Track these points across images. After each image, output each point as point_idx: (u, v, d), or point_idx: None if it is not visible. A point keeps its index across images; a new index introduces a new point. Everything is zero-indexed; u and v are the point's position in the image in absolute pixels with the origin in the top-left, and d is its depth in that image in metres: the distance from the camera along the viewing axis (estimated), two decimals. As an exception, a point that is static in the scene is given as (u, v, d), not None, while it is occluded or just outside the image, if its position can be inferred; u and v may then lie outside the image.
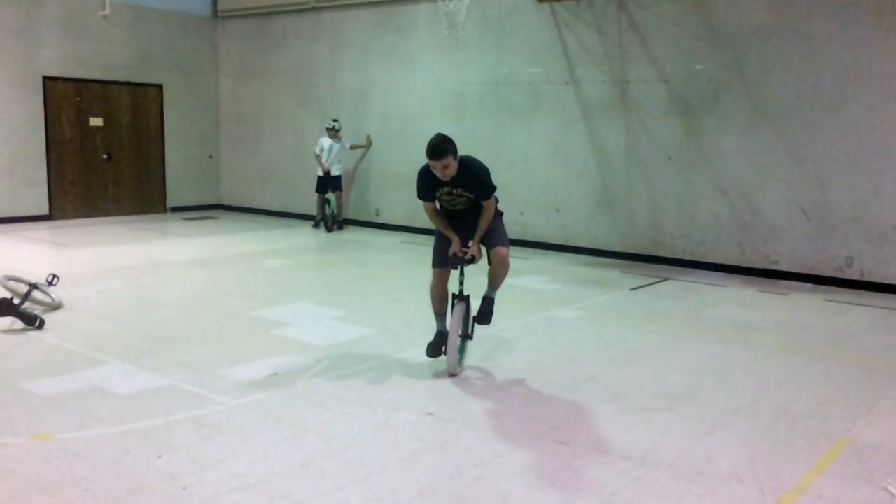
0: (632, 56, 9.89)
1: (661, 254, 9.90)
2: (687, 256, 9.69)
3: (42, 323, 6.06)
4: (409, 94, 12.09)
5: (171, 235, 11.69)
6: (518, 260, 9.93)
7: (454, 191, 4.93)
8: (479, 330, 5.56)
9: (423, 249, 10.67)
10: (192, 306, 7.08)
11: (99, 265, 8.97)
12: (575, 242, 10.61)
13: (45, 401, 4.49)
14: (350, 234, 12.15)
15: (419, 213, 11.98)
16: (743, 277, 9.05)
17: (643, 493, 3.50)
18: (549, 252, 10.57)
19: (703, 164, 9.48)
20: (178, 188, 14.37)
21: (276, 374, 5.08)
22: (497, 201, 5.12)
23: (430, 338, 5.35)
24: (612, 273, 9.22)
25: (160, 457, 3.75)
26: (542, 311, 7.15)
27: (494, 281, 5.23)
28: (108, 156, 13.38)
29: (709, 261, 9.51)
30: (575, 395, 4.82)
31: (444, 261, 5.13)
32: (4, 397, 4.54)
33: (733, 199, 9.30)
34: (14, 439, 3.94)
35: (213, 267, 9.09)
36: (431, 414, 4.43)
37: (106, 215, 13.32)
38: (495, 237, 5.10)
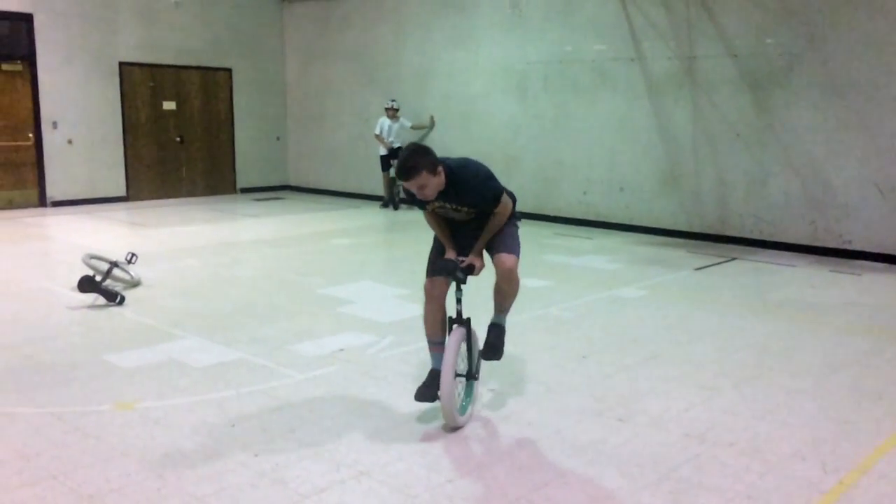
0: (699, 31, 9.68)
1: (729, 233, 9.72)
2: (755, 235, 9.49)
3: (122, 299, 6.37)
4: (471, 73, 12.11)
5: (242, 216, 12.04)
6: (580, 239, 9.93)
7: (446, 205, 3.93)
8: (534, 309, 5.58)
9: (486, 229, 10.72)
10: (263, 284, 7.32)
11: (174, 244, 9.32)
12: (639, 222, 10.50)
13: (127, 372, 4.76)
14: (414, 214, 12.28)
15: (482, 193, 12.02)
16: (814, 257, 8.82)
17: (702, 469, 3.51)
18: (613, 231, 10.49)
19: (774, 141, 9.24)
20: (247, 170, 14.76)
21: (343, 349, 5.24)
22: (514, 202, 4.14)
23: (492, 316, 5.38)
24: (676, 253, 9.11)
25: (233, 426, 3.94)
26: (603, 291, 7.13)
27: (501, 300, 4.16)
28: (181, 139, 13.83)
29: (778, 240, 9.30)
30: (636, 374, 4.83)
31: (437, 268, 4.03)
32: (90, 369, 4.82)
33: (805, 176, 9.05)
34: (99, 407, 4.19)
35: (281, 246, 9.34)
36: (493, 390, 4.51)
37: (179, 196, 13.80)
38: (501, 242, 4.06)
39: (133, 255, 6.98)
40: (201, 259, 8.36)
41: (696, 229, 9.99)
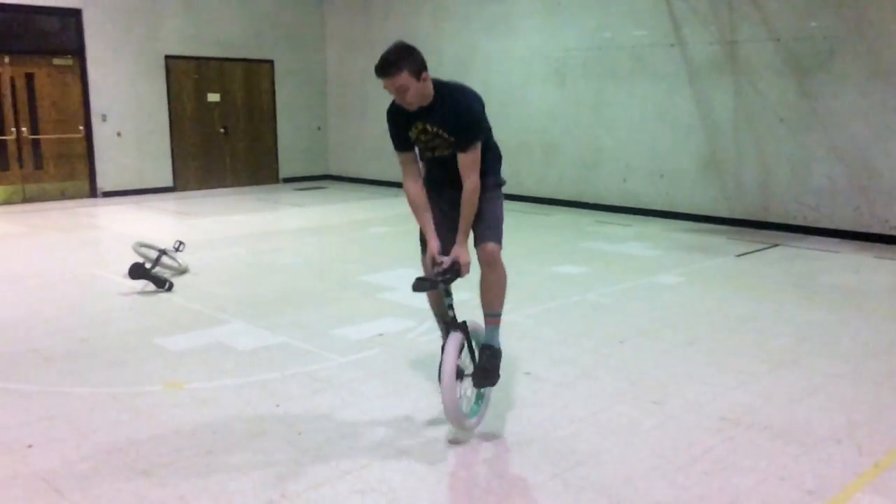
0: (741, 15, 9.55)
1: (771, 219, 9.61)
2: (799, 221, 9.37)
3: (171, 285, 6.58)
4: (510, 62, 12.12)
5: (284, 205, 12.26)
6: (619, 227, 9.91)
7: (428, 127, 3.47)
8: (557, 309, 5.62)
9: (525, 216, 10.78)
10: (305, 271, 7.48)
11: (219, 233, 9.56)
12: (679, 208, 10.43)
13: (176, 354, 4.94)
14: (453, 203, 12.36)
15: (523, 181, 12.09)
16: (858, 243, 8.69)
17: (737, 451, 3.55)
18: (653, 218, 10.45)
19: (818, 126, 9.10)
20: (289, 160, 14.99)
21: (382, 334, 5.36)
22: (499, 160, 3.70)
23: (528, 306, 5.44)
24: (717, 239, 9.04)
25: (278, 406, 4.08)
26: (642, 277, 7.14)
27: (486, 295, 3.66)
28: (225, 130, 14.11)
29: (822, 226, 9.17)
30: (672, 359, 4.86)
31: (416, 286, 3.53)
32: (141, 351, 5.02)
33: (850, 161, 8.90)
34: (151, 387, 4.38)
35: (323, 234, 9.51)
36: (529, 373, 4.59)
37: (224, 186, 14.09)
38: (483, 225, 3.57)
39: (181, 243, 7.19)
40: (245, 247, 8.55)
41: (738, 216, 9.90)
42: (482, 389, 3.77)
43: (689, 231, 9.58)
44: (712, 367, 4.71)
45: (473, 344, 3.77)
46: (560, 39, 11.43)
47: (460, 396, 3.58)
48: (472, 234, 3.63)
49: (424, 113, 3.43)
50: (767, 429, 3.79)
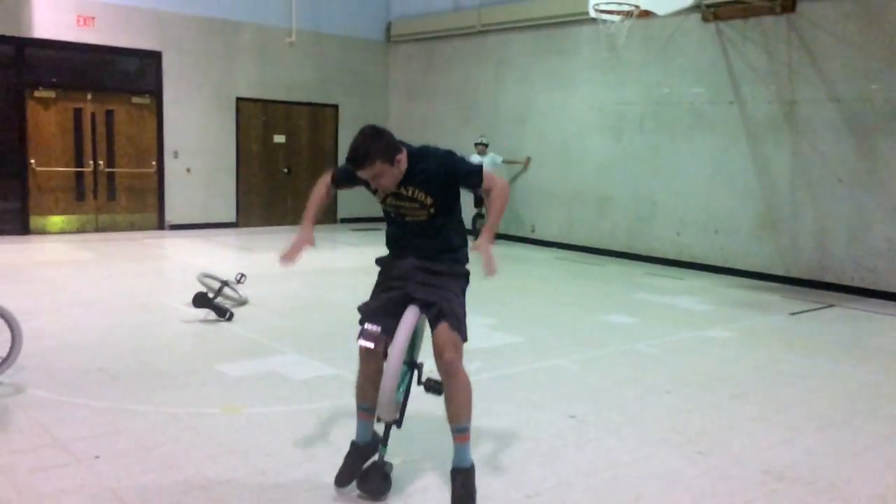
0: (801, 76, 9.61)
1: (828, 279, 9.49)
2: (856, 283, 9.24)
3: (231, 315, 6.86)
4: (568, 113, 12.33)
5: (341, 244, 12.59)
6: (671, 280, 9.91)
7: (403, 191, 3.35)
8: (611, 337, 5.64)
9: (578, 266, 10.87)
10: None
11: (278, 268, 9.85)
12: (733, 265, 10.38)
13: (235, 380, 5.16)
14: (503, 248, 12.51)
15: (575, 230, 12.21)
16: (918, 308, 8.53)
17: (779, 504, 3.56)
18: (706, 273, 10.41)
19: (878, 187, 9.03)
20: (347, 201, 15.36)
21: (431, 371, 5.48)
22: (464, 238, 3.54)
23: (576, 353, 5.50)
24: (771, 297, 8.97)
25: (329, 434, 4.24)
26: (692, 331, 7.14)
27: (453, 410, 3.34)
28: (288, 170, 14.60)
29: (880, 288, 9.02)
30: (719, 411, 4.87)
31: (375, 311, 3.44)
32: (202, 375, 5.26)
33: (910, 224, 8.79)
34: (210, 410, 4.59)
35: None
36: (574, 416, 4.66)
37: (284, 224, 14.51)
38: (443, 303, 3.32)
39: (242, 275, 7.49)
40: (303, 282, 8.82)
41: (794, 274, 9.80)
42: (406, 376, 3.51)
43: (743, 287, 9.53)
44: (759, 421, 4.71)
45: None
46: (619, 93, 11.62)
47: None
48: (427, 323, 3.42)
49: (405, 179, 3.31)
50: (811, 485, 3.79)
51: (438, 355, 3.28)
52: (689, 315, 7.84)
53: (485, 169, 3.44)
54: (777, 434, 4.49)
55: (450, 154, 3.37)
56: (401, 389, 3.46)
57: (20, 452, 3.88)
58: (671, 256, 11.04)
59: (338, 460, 3.83)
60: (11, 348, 4.92)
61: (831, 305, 8.58)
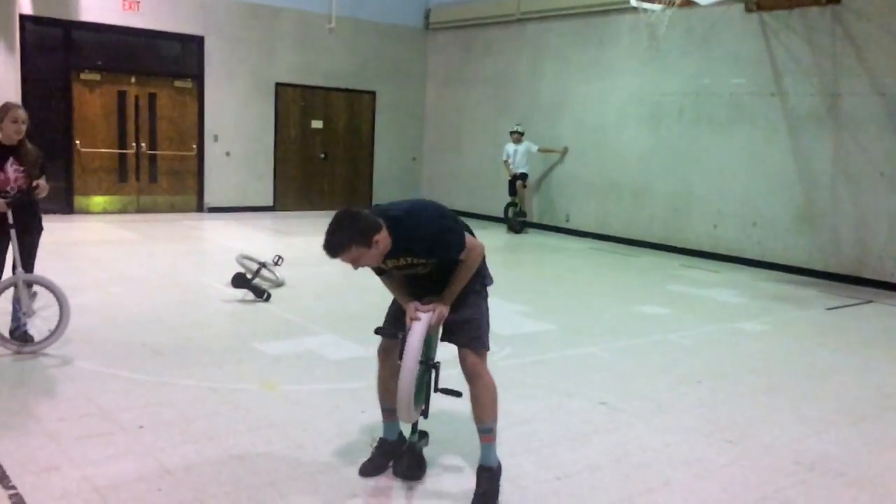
0: (845, 68, 9.45)
1: (867, 275, 9.36)
2: (896, 280, 9.12)
3: (269, 296, 7.00)
4: (605, 103, 12.27)
5: (376, 230, 12.69)
6: (707, 272, 9.85)
7: (402, 261, 3.32)
8: (648, 326, 5.65)
9: (611, 256, 10.85)
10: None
11: (314, 252, 9.94)
12: (770, 258, 10.28)
13: (272, 358, 5.29)
14: (537, 238, 12.53)
15: (610, 221, 12.18)
16: (960, 306, 8.38)
17: (808, 495, 3.57)
18: (742, 266, 10.32)
19: (921, 183, 8.87)
20: (383, 187, 15.49)
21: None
22: (482, 258, 3.48)
23: (608, 341, 5.53)
24: (808, 291, 8.88)
25: (363, 412, 4.33)
26: (726, 322, 7.11)
27: (478, 413, 3.40)
28: (325, 155, 14.75)
29: (921, 286, 8.89)
30: (751, 402, 4.87)
31: (388, 317, 3.55)
32: (240, 353, 5.40)
33: (954, 221, 8.63)
34: (248, 386, 4.72)
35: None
36: (604, 403, 4.70)
37: (320, 209, 14.66)
38: (464, 327, 3.39)
39: (279, 257, 7.63)
40: (337, 266, 8.90)
41: (832, 269, 9.68)
42: (423, 379, 3.49)
43: (779, 281, 9.44)
44: (791, 413, 4.70)
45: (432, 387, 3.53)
46: (658, 84, 11.53)
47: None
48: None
49: (392, 252, 3.23)
50: (841, 476, 3.79)
51: (461, 361, 3.37)
52: (723, 307, 7.80)
53: (466, 238, 3.32)
54: (809, 426, 4.49)
55: (434, 236, 3.23)
56: (421, 394, 3.47)
57: (68, 420, 4.04)
58: (707, 249, 10.96)
59: (373, 436, 3.93)
60: (59, 321, 5.10)
61: (869, 301, 8.47)
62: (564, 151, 12.85)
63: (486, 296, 3.52)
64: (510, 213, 13.05)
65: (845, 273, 9.54)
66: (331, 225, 3.13)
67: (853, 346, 6.49)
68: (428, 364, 3.46)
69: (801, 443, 4.22)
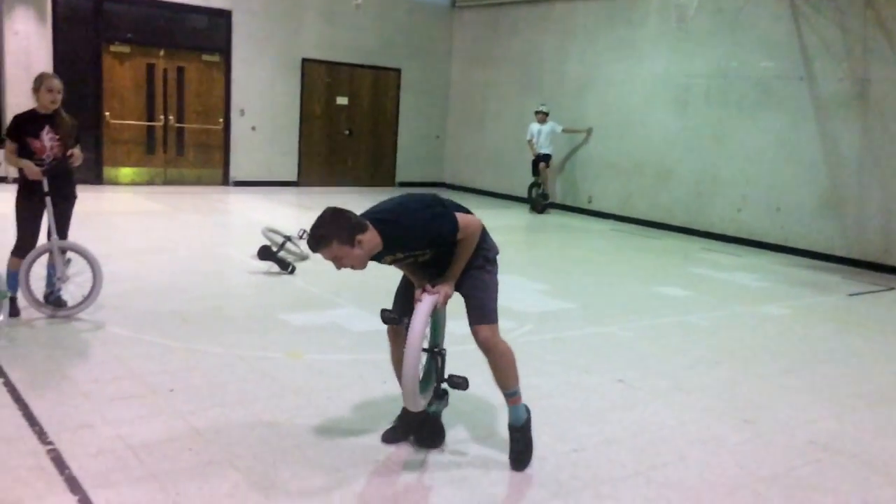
0: (876, 53, 9.34)
1: (891, 262, 9.31)
2: (920, 268, 9.06)
3: (293, 269, 7.12)
4: (632, 84, 12.21)
5: (399, 207, 12.78)
6: (729, 256, 9.85)
7: (399, 255, 3.36)
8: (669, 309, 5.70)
9: (633, 238, 10.86)
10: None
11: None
12: (794, 243, 10.24)
13: (297, 329, 5.41)
14: (560, 218, 12.56)
15: (633, 203, 12.17)
16: (984, 295, 8.33)
17: (821, 474, 3.63)
18: (765, 251, 10.30)
19: (949, 171, 8.79)
20: (406, 165, 15.57)
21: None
22: (482, 230, 3.40)
23: (628, 321, 5.61)
24: (831, 277, 8.86)
25: (385, 382, 4.44)
26: (746, 306, 7.14)
27: (499, 380, 3.49)
28: (350, 132, 14.83)
29: (946, 275, 8.84)
30: (768, 384, 4.92)
31: (395, 297, 3.65)
32: (266, 322, 5.52)
33: (982, 210, 8.54)
34: (274, 354, 4.84)
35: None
36: (622, 381, 4.77)
37: (343, 185, 14.79)
38: (472, 306, 3.43)
39: (304, 231, 7.69)
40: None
41: (856, 256, 9.63)
42: (431, 367, 3.60)
43: (803, 267, 9.41)
44: (808, 395, 4.75)
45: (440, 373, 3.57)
46: (685, 66, 11.45)
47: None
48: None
49: (386, 251, 3.26)
50: (856, 458, 3.84)
51: (474, 337, 3.42)
52: (745, 291, 7.82)
53: (458, 218, 3.27)
54: (825, 408, 4.53)
55: (425, 228, 3.23)
56: (429, 382, 3.52)
57: (101, 382, 4.19)
58: (730, 233, 10.94)
59: (394, 407, 4.04)
60: (92, 287, 5.25)
61: (892, 288, 8.44)
62: (588, 132, 12.83)
63: (490, 269, 3.50)
64: (533, 194, 13.07)
65: (869, 260, 9.49)
66: (316, 221, 3.17)
67: (874, 331, 6.49)
68: (434, 351, 3.53)
69: (816, 424, 4.27)
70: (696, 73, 11.30)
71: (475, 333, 3.41)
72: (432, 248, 3.34)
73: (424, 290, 3.34)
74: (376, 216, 3.24)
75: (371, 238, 3.16)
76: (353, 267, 3.22)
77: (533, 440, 3.57)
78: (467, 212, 3.41)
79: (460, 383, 3.42)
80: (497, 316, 3.48)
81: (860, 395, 4.80)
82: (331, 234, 3.10)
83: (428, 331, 3.45)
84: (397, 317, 3.45)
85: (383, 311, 3.49)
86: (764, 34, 10.48)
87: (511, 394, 3.51)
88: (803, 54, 10.07)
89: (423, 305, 3.26)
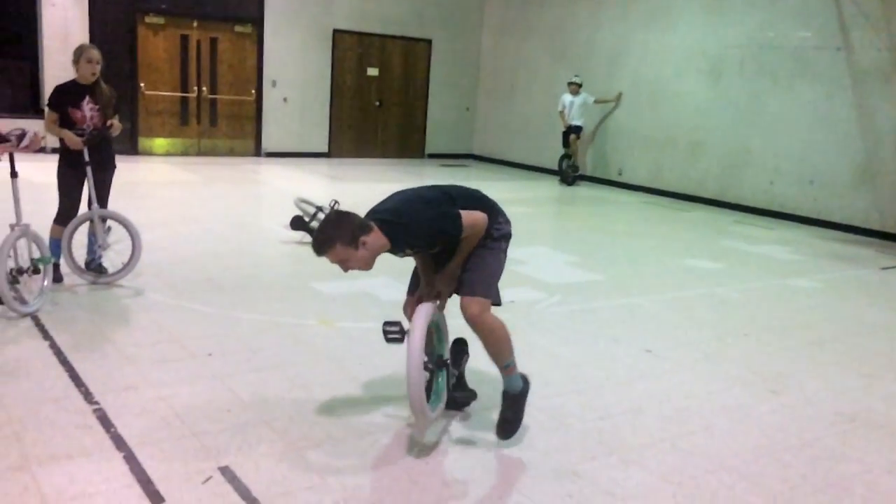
0: (917, 21, 9.14)
1: (926, 237, 9.20)
2: (957, 242, 8.93)
3: (325, 239, 7.22)
4: (664, 54, 12.07)
5: (428, 178, 12.82)
6: (761, 229, 9.78)
7: (409, 251, 3.39)
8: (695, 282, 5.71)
9: (663, 210, 10.82)
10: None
11: (367, 197, 10.09)
12: (827, 217, 10.14)
13: (329, 297, 5.52)
14: (589, 190, 12.52)
15: (663, 175, 12.09)
16: None
17: (847, 443, 3.66)
18: (798, 224, 10.21)
19: None
20: (435, 136, 15.59)
21: (513, 301, 5.72)
22: (495, 213, 3.50)
23: (657, 293, 5.59)
24: (864, 251, 8.77)
25: (416, 350, 4.54)
26: (777, 279, 7.11)
27: (491, 355, 3.44)
28: (380, 103, 14.86)
29: (983, 249, 8.70)
30: (796, 356, 4.94)
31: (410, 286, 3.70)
32: (299, 291, 5.65)
33: None
34: (307, 321, 4.96)
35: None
36: (649, 351, 4.82)
37: (373, 157, 14.87)
38: (466, 276, 3.37)
39: (336, 202, 7.81)
40: (392, 213, 9.12)
41: (890, 229, 9.51)
42: (440, 380, 3.57)
43: (835, 240, 9.32)
44: (837, 367, 4.76)
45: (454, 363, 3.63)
46: (720, 36, 11.29)
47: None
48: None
49: (394, 250, 3.29)
50: (883, 427, 3.87)
51: (462, 311, 3.34)
52: (776, 264, 7.78)
53: (463, 217, 3.25)
54: (853, 380, 4.54)
55: (429, 227, 3.22)
56: (438, 394, 3.51)
57: (143, 346, 4.34)
58: (762, 206, 10.84)
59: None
60: (132, 255, 5.41)
61: (927, 263, 8.34)
62: (618, 97, 12.73)
63: (492, 246, 3.43)
64: (563, 165, 13.04)
65: (904, 234, 9.38)
66: (320, 224, 3.18)
67: (906, 306, 6.45)
68: (437, 365, 3.52)
69: (844, 395, 4.29)
70: (731, 44, 11.13)
71: (463, 308, 3.33)
72: (440, 245, 3.33)
73: (420, 299, 3.37)
74: (380, 216, 3.23)
75: (375, 239, 3.15)
76: (355, 269, 3.20)
77: (523, 415, 3.50)
78: (479, 201, 3.42)
79: (467, 398, 3.53)
80: (491, 292, 3.39)
81: (889, 368, 4.80)
82: (334, 236, 3.09)
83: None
84: (398, 333, 3.35)
85: (385, 326, 3.38)
86: (801, 3, 10.28)
87: (505, 366, 3.45)
88: (841, 24, 9.88)
89: (419, 317, 3.22)
